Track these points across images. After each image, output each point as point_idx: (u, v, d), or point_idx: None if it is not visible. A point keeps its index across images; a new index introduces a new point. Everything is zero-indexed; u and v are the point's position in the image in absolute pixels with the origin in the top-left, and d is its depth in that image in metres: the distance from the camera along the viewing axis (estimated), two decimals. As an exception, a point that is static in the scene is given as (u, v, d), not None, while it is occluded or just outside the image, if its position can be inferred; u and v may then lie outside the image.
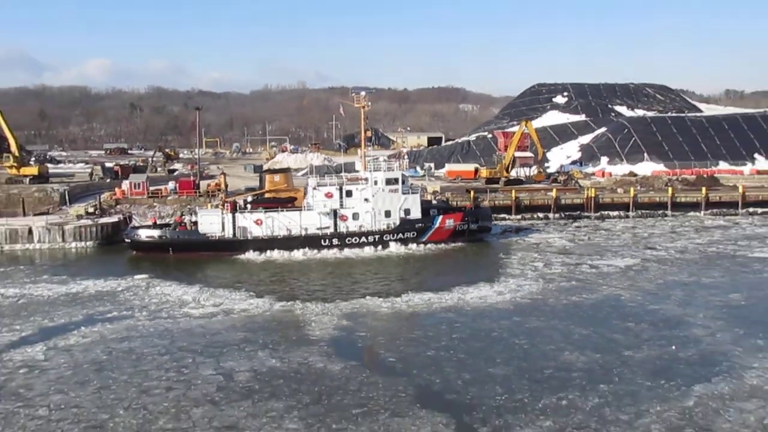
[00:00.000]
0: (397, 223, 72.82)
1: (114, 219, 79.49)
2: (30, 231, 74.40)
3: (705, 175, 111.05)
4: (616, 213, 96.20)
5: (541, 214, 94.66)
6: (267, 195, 74.07)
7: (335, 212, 71.62)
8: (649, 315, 48.40)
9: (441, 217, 74.54)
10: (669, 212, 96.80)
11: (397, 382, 35.73)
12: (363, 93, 76.54)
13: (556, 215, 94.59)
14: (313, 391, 34.41)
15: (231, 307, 50.32)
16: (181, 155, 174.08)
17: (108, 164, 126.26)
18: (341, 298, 53.04)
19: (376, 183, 72.82)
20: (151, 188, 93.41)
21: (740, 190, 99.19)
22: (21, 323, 46.16)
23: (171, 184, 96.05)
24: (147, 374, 37.00)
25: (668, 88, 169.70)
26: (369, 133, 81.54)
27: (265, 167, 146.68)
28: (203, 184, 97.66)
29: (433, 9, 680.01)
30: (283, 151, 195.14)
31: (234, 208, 70.84)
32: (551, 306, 50.89)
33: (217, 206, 75.68)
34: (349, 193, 72.36)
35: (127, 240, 71.46)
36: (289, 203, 72.61)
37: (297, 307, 50.12)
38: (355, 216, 72.12)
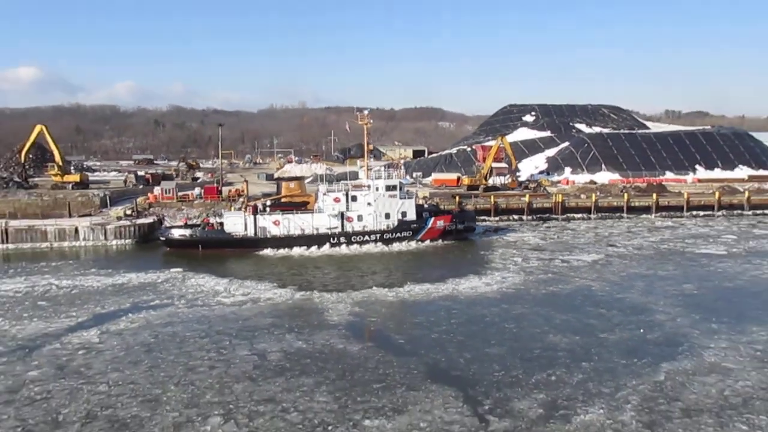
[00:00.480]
0: (396, 224, 72.69)
1: (150, 220, 78.79)
2: (76, 230, 73.68)
3: (654, 183, 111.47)
4: (579, 215, 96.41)
5: (516, 216, 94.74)
6: (283, 199, 73.77)
7: (342, 214, 71.43)
8: (617, 303, 48.52)
9: (433, 218, 74.50)
10: (625, 215, 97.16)
11: (408, 360, 35.61)
12: (366, 111, 76.33)
13: (529, 217, 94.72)
14: (337, 369, 34.23)
15: (258, 296, 49.98)
16: (201, 165, 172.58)
17: (140, 173, 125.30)
18: (352, 288, 52.78)
19: (377, 189, 72.74)
20: (179, 194, 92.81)
21: (685, 196, 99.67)
22: (76, 310, 45.65)
23: (197, 190, 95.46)
24: (191, 355, 36.66)
25: (620, 108, 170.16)
26: (371, 147, 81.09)
27: (275, 176, 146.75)
28: (225, 190, 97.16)
29: (415, 39, 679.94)
30: (290, 162, 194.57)
31: (255, 211, 70.54)
32: (533, 295, 50.87)
33: (239, 209, 75.36)
34: (354, 198, 72.19)
35: (161, 238, 70.96)
36: (302, 206, 72.38)
37: (315, 296, 49.86)
38: (360, 218, 71.92)
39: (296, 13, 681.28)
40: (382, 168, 76.28)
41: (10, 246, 71.79)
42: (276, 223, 69.99)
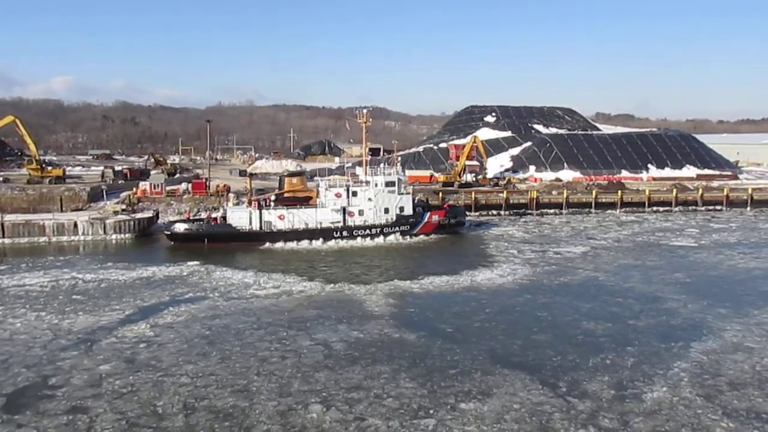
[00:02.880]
0: (394, 218, 73.19)
1: (149, 214, 76.39)
2: (75, 225, 70.76)
3: (614, 181, 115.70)
4: (552, 211, 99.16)
5: (494, 212, 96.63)
6: (286, 194, 73.16)
7: (344, 209, 71.42)
8: (628, 292, 50.26)
9: (429, 213, 75.45)
10: (593, 210, 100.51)
11: (468, 348, 36.21)
12: (365, 110, 76.33)
13: (506, 212, 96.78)
14: (405, 357, 34.49)
15: (289, 288, 49.45)
16: (169, 161, 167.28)
17: (117, 167, 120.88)
18: (376, 280, 52.72)
19: (376, 185, 73.04)
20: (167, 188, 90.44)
21: (646, 193, 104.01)
22: (116, 304, 44.11)
23: (184, 185, 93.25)
24: (255, 346, 36.17)
25: (573, 110, 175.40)
26: (369, 144, 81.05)
27: (248, 171, 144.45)
28: (211, 184, 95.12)
29: (355, 41, 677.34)
30: (251, 159, 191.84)
31: (260, 206, 69.66)
32: (548, 286, 52.17)
33: (237, 204, 74.44)
34: (354, 194, 72.28)
35: (166, 232, 69.08)
36: (305, 201, 71.97)
37: (345, 289, 49.72)
38: (360, 212, 72.08)
39: (237, 8, 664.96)
40: (382, 165, 76.51)
41: (7, 241, 68.34)
42: (281, 217, 69.33)
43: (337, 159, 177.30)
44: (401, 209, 73.82)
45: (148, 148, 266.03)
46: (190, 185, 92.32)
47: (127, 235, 71.98)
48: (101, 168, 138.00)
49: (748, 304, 46.84)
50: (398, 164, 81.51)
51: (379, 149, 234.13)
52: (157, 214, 78.21)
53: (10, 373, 31.25)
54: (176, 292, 47.56)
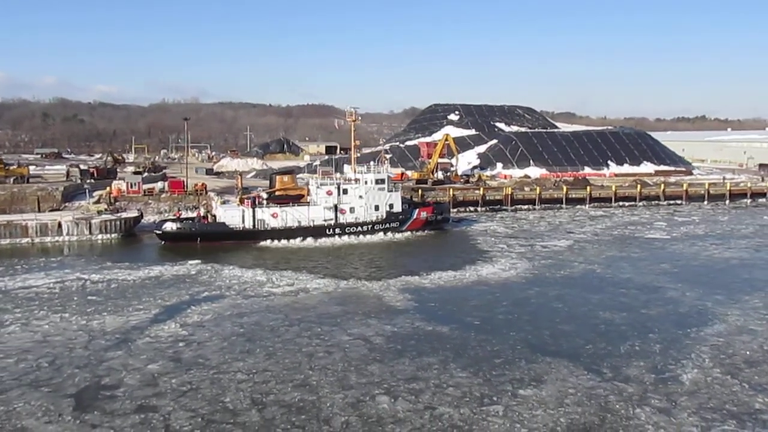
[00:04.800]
0: (384, 215, 73.99)
1: (134, 214, 74.60)
2: (59, 225, 68.54)
3: (579, 177, 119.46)
4: (526, 207, 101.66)
5: (471, 208, 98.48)
6: (278, 192, 72.96)
7: (336, 207, 71.75)
8: (628, 283, 52.45)
9: (417, 210, 76.62)
10: (564, 206, 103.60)
11: (503, 338, 37.53)
12: (354, 109, 76.84)
13: (483, 208, 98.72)
14: (447, 348, 35.51)
15: (303, 286, 49.62)
16: (127, 160, 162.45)
17: (82, 166, 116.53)
18: (385, 277, 53.19)
19: (366, 183, 73.68)
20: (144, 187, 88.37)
21: (613, 188, 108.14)
22: (138, 304, 43.45)
23: (160, 184, 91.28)
24: (295, 342, 36.49)
25: (533, 109, 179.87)
26: (358, 142, 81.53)
27: (215, 169, 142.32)
28: (189, 183, 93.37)
29: (300, 39, 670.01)
30: (216, 158, 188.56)
31: (253, 204, 69.24)
32: (552, 279, 53.82)
33: (224, 202, 73.77)
34: (345, 191, 72.68)
35: (157, 232, 67.80)
36: (297, 200, 71.98)
37: (360, 285, 50.23)
38: (352, 210, 72.54)
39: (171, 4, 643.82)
40: (372, 162, 77.15)
41: (-13, 242, 65.69)
42: (275, 215, 69.13)
43: (307, 157, 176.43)
44: (391, 206, 74.71)
45: (96, 146, 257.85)
46: (166, 184, 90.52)
47: (112, 235, 70.24)
48: (58, 167, 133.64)
49: (739, 291, 50.01)
50: (387, 162, 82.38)
51: (336, 147, 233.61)
52: (141, 213, 76.48)
53: (64, 374, 30.73)
54: (193, 291, 47.10)
